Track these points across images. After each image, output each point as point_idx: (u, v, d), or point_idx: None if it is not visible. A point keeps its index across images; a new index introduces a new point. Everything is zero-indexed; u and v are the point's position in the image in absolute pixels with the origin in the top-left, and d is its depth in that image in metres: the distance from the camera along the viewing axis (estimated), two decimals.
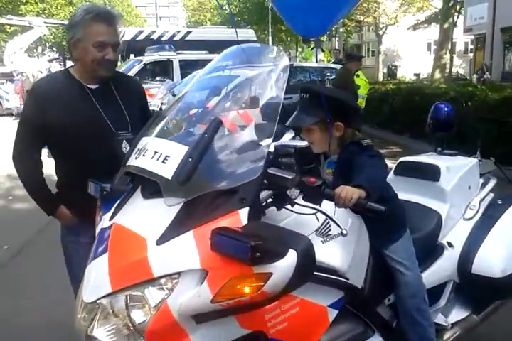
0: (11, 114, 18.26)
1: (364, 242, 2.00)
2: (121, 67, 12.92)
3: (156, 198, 1.56)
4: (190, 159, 1.49)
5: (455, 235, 2.57)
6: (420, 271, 2.32)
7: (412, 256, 2.17)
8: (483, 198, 2.74)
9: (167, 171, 1.51)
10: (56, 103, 2.12)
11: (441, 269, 2.47)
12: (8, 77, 19.09)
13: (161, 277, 1.45)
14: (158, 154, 1.57)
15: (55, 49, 34.24)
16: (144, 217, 1.60)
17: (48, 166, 2.32)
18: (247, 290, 1.38)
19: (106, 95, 2.18)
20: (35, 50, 30.52)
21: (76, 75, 2.19)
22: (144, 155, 1.62)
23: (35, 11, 25.28)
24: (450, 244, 2.52)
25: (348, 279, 1.84)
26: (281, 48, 1.90)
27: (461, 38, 34.00)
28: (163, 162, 1.54)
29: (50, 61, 12.57)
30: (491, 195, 2.81)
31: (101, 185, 1.88)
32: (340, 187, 1.64)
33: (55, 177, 2.33)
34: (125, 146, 2.13)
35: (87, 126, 2.10)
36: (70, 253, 2.35)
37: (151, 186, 1.59)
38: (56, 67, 11.03)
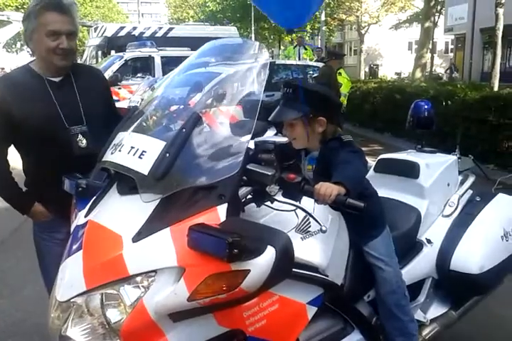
0: None
1: (344, 239, 2.00)
2: (102, 64, 12.81)
3: (133, 194, 1.53)
4: (168, 154, 1.46)
5: (434, 232, 2.58)
6: (400, 267, 2.33)
7: (391, 253, 2.17)
8: (462, 195, 2.75)
9: (143, 167, 1.48)
10: (17, 99, 2.06)
11: (420, 266, 2.48)
12: None
13: (137, 275, 1.42)
14: (134, 149, 1.54)
15: None
16: (119, 213, 1.57)
17: (16, 162, 2.27)
18: (224, 287, 1.36)
19: (64, 88, 2.15)
20: (13, 46, 30.01)
21: (36, 69, 2.14)
22: (119, 150, 1.58)
23: (13, 5, 24.83)
24: (429, 241, 2.53)
25: (327, 276, 1.83)
26: (262, 44, 1.87)
27: (441, 38, 34.38)
28: (139, 157, 1.51)
29: (32, 55, 12.36)
30: (470, 191, 2.83)
31: (76, 181, 1.85)
32: (319, 183, 1.62)
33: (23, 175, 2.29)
34: (80, 139, 2.11)
35: (42, 121, 2.07)
36: (43, 250, 2.31)
37: (128, 182, 1.56)
38: None
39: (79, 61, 22.96)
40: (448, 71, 24.81)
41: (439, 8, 26.46)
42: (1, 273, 4.02)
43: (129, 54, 12.47)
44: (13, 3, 24.87)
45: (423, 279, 2.53)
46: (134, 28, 16.87)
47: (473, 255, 2.47)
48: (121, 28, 16.84)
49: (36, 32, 2.03)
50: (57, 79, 2.14)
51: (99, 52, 16.05)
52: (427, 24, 16.06)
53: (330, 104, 2.09)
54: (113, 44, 15.60)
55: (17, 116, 2.05)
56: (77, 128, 2.13)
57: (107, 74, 10.77)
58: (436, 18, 27.40)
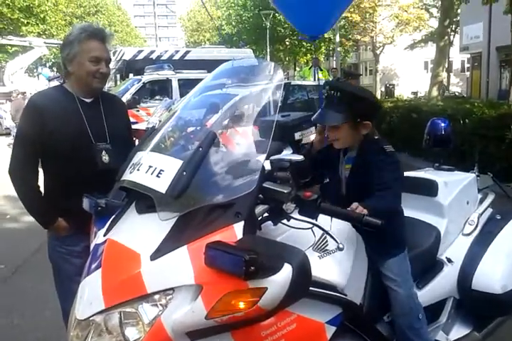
0: (9, 134, 18.32)
1: (362, 257, 1.98)
2: (120, 87, 13.00)
3: (151, 213, 1.55)
4: (185, 173, 1.48)
5: (454, 251, 2.55)
6: (419, 287, 2.30)
7: (405, 274, 2.13)
8: (482, 213, 2.72)
9: (161, 185, 1.50)
10: (51, 116, 2.21)
11: (441, 285, 2.44)
12: (8, 96, 19.18)
13: (155, 293, 1.42)
14: (152, 168, 1.56)
15: (55, 69, 34.52)
16: (138, 232, 1.58)
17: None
18: (242, 305, 1.36)
19: (93, 108, 2.31)
20: (35, 70, 30.75)
21: (69, 89, 2.30)
22: (138, 169, 1.61)
23: (35, 32, 25.55)
24: (449, 260, 2.50)
25: (346, 295, 1.81)
26: (277, 65, 1.90)
27: (457, 57, 34.39)
28: (157, 176, 1.53)
29: (50, 80, 12.59)
30: (490, 210, 2.80)
31: (95, 200, 1.87)
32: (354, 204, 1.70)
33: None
34: (104, 156, 2.26)
35: (71, 135, 2.22)
36: (59, 267, 2.37)
37: (146, 201, 1.58)
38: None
39: None
40: (440, 91, 25.75)
41: (453, 27, 26.56)
42: (23, 294, 4.05)
43: (147, 77, 12.68)
44: (35, 29, 25.57)
45: (444, 299, 2.49)
46: (152, 52, 17.17)
47: (496, 274, 2.43)
48: (139, 51, 17.16)
49: (78, 56, 2.22)
50: (88, 100, 2.31)
51: (118, 76, 16.34)
52: (442, 43, 16.08)
53: (372, 107, 2.13)
54: (131, 67, 15.88)
55: (49, 128, 2.19)
56: (102, 145, 2.27)
57: (126, 97, 10.95)
58: (452, 37, 27.48)
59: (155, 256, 1.45)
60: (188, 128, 1.86)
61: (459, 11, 25.76)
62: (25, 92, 16.78)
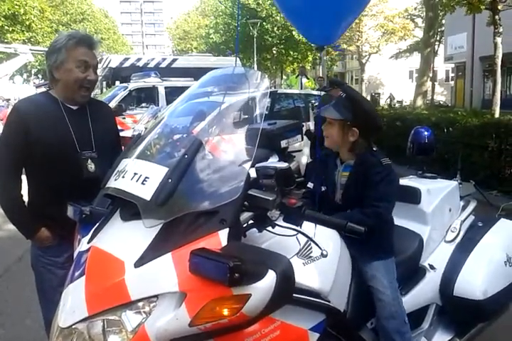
0: None
1: (346, 264, 1.99)
2: (107, 94, 12.93)
3: (135, 220, 1.55)
4: (170, 180, 1.49)
5: (437, 257, 2.57)
6: (403, 293, 2.32)
7: (392, 279, 2.17)
8: (464, 220, 2.76)
9: (146, 192, 1.50)
10: (35, 123, 2.17)
11: (424, 292, 2.46)
12: None
13: (139, 300, 1.42)
14: (137, 175, 1.56)
15: (40, 76, 34.31)
16: (122, 239, 1.58)
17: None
18: (225, 312, 1.37)
19: (79, 115, 2.28)
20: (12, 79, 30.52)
21: (56, 96, 2.27)
22: (123, 176, 1.61)
23: (21, 39, 25.39)
24: (432, 267, 2.52)
25: (329, 301, 1.82)
26: (264, 73, 1.92)
27: (442, 67, 34.85)
28: (142, 183, 1.53)
29: (38, 86, 12.49)
30: (472, 217, 2.84)
31: (80, 207, 1.87)
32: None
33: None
34: (90, 165, 2.22)
35: (56, 142, 2.18)
36: (42, 276, 2.33)
37: (130, 208, 1.58)
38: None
39: None
40: (388, 100, 27.51)
41: (438, 37, 26.92)
42: (4, 303, 3.99)
43: (133, 84, 12.63)
44: (20, 37, 25.41)
45: (427, 306, 2.51)
46: (139, 60, 17.14)
47: (477, 280, 2.46)
48: (126, 59, 17.12)
49: (66, 63, 2.19)
50: (74, 107, 2.28)
51: (104, 83, 16.27)
52: (426, 51, 16.30)
53: (369, 121, 2.25)
54: (118, 75, 15.82)
55: (33, 134, 2.15)
56: (88, 153, 2.24)
57: (112, 105, 10.91)
58: (436, 47, 27.84)
59: (139, 263, 1.45)
60: (174, 135, 1.86)
61: (443, 21, 26.12)
62: (9, 99, 16.62)
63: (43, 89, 11.13)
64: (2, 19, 24.03)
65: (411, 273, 2.46)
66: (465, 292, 2.43)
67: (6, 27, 24.54)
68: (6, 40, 24.22)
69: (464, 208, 2.87)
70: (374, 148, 2.26)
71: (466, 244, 2.62)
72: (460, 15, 16.21)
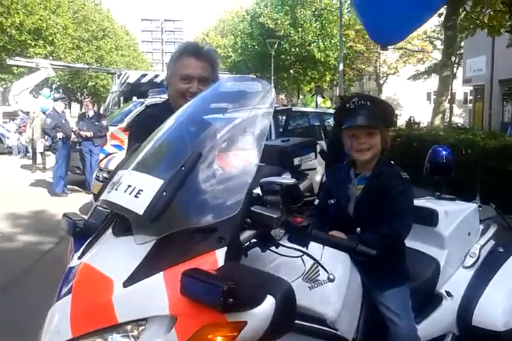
0: (11, 153, 18.49)
1: (356, 289, 1.87)
2: (123, 109, 13.04)
3: (127, 236, 1.44)
4: (165, 193, 1.38)
5: (454, 284, 2.44)
6: (417, 321, 2.18)
7: (407, 307, 2.04)
8: (484, 245, 2.62)
9: (139, 206, 1.39)
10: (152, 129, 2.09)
11: (440, 320, 2.32)
12: (12, 116, 19.32)
13: (126, 323, 1.31)
14: (131, 188, 1.45)
15: (60, 90, 34.85)
16: (112, 256, 1.47)
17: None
18: (219, 340, 1.24)
19: None
20: (40, 92, 31.12)
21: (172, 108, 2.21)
22: (116, 189, 1.50)
23: (43, 53, 25.84)
24: (449, 294, 2.38)
25: (337, 330, 1.69)
26: (272, 87, 1.81)
27: (460, 89, 34.71)
28: (135, 196, 1.42)
29: (56, 100, 12.66)
30: (492, 242, 2.69)
31: (74, 221, 1.77)
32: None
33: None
34: None
35: None
36: None
37: (124, 223, 1.47)
38: (61, 106, 11.07)
39: (102, 106, 23.48)
40: (408, 122, 27.95)
41: (457, 60, 26.85)
42: (12, 313, 3.88)
43: (150, 100, 12.68)
44: (42, 51, 25.86)
45: (443, 335, 2.37)
46: (156, 76, 17.29)
47: (498, 310, 2.32)
48: (144, 75, 17.30)
49: (173, 75, 2.16)
50: None
51: (122, 98, 16.42)
52: (444, 73, 16.20)
53: (392, 119, 2.21)
54: (135, 90, 15.95)
55: None
56: None
57: (127, 120, 10.95)
58: (455, 69, 27.77)
59: (128, 282, 1.34)
60: (173, 146, 1.75)
61: (462, 44, 26.07)
62: (28, 112, 16.82)
63: (60, 103, 11.21)
64: (25, 33, 24.49)
65: (426, 300, 2.32)
66: (485, 322, 2.28)
67: (29, 41, 24.99)
68: (28, 55, 24.66)
69: (483, 232, 2.73)
70: (392, 161, 2.16)
71: (485, 271, 2.48)
72: (479, 38, 16.13)
